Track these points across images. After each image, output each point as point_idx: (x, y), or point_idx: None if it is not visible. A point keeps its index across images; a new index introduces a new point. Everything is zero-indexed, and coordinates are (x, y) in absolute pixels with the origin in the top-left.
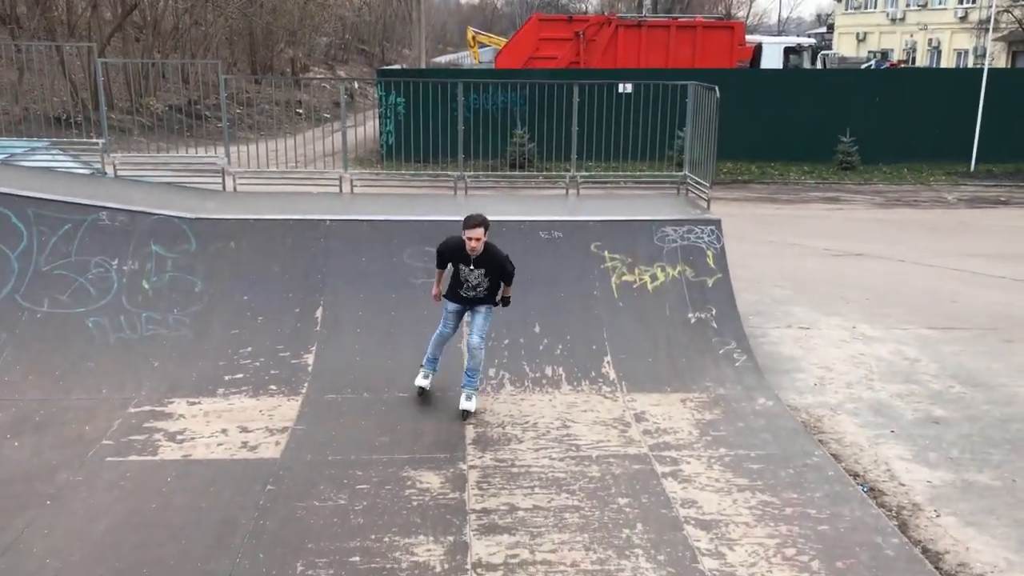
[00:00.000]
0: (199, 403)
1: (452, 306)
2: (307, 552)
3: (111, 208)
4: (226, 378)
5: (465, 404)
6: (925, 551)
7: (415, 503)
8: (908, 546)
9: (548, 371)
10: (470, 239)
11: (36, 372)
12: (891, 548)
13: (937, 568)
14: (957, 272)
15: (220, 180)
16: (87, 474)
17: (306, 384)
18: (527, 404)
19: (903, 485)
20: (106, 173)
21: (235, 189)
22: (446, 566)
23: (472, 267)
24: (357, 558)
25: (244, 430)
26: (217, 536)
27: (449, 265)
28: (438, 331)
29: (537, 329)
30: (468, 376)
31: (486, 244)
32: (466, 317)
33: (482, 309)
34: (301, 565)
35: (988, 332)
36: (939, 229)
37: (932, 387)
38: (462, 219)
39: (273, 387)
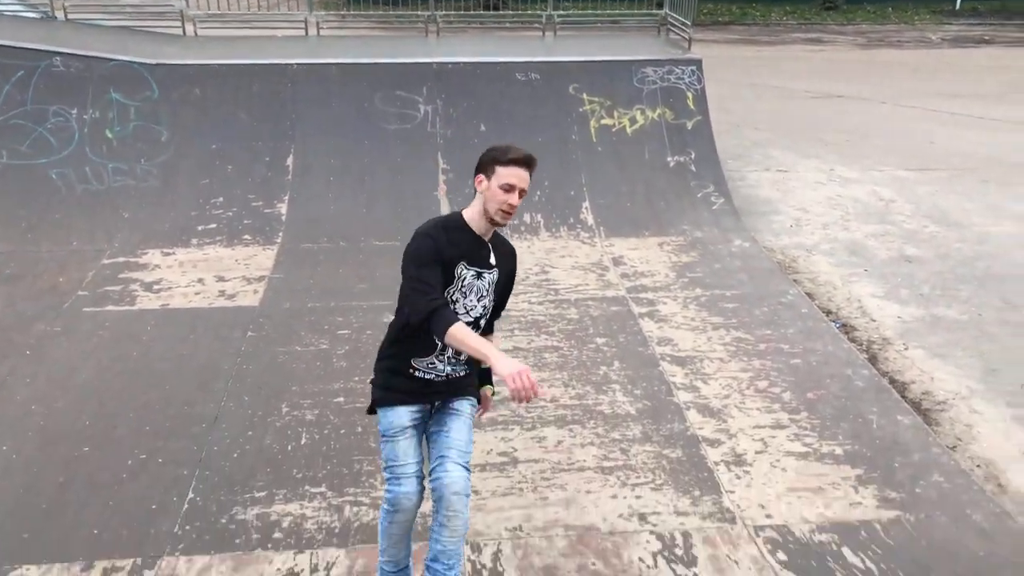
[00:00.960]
0: (173, 253)
1: (405, 414)
2: (291, 394)
3: (65, 53)
4: (199, 228)
5: None
6: (892, 381)
7: None
8: (877, 377)
9: (526, 218)
10: (513, 188)
11: (2, 224)
12: (860, 379)
13: (903, 397)
14: (936, 113)
15: (179, 24)
16: (65, 324)
17: (280, 233)
18: None
19: (874, 321)
20: (56, 17)
21: (196, 33)
22: None
23: (485, 267)
24: (342, 399)
25: (221, 279)
26: (200, 381)
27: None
28: (389, 497)
29: None
30: (433, 572)
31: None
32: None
33: (464, 408)
34: (286, 407)
35: (964, 172)
36: (921, 69)
37: (906, 227)
38: (433, 61)
39: (247, 237)
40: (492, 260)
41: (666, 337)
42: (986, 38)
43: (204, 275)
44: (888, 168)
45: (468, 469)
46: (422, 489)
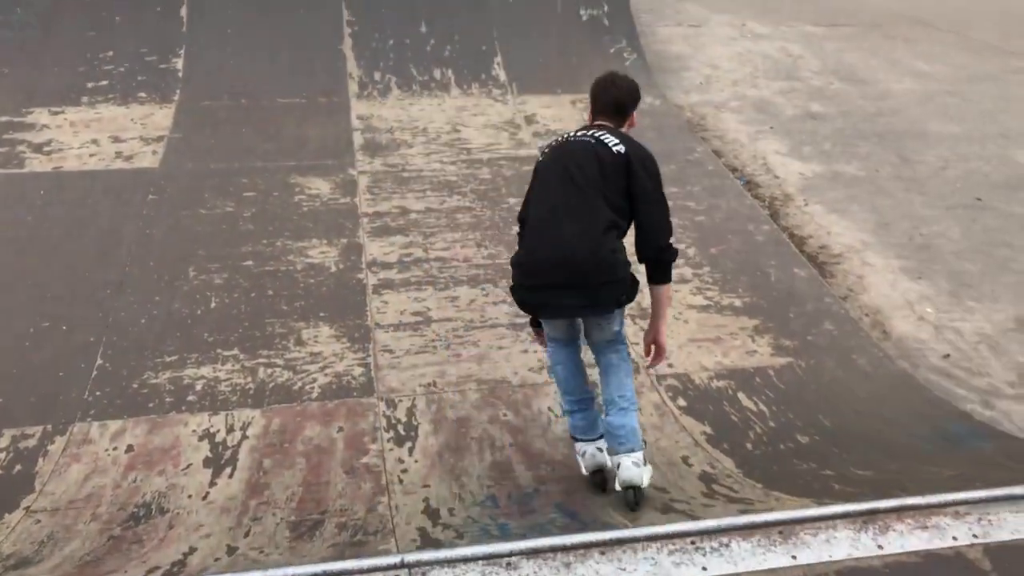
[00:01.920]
0: (63, 112)
1: None
2: (198, 258)
3: None
4: (89, 85)
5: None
6: (792, 236)
7: (306, 208)
8: (777, 232)
9: (436, 74)
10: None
11: None
12: (761, 234)
13: (801, 251)
14: None
15: None
16: None
17: (178, 91)
18: (416, 108)
19: (777, 178)
20: None
21: None
22: (341, 266)
23: None
24: (250, 262)
25: (117, 140)
26: (101, 247)
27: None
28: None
29: (423, 28)
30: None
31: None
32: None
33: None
34: (193, 271)
35: (871, 28)
36: None
37: (812, 84)
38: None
39: (143, 94)
40: None
41: None
42: None
43: (98, 136)
44: (799, 24)
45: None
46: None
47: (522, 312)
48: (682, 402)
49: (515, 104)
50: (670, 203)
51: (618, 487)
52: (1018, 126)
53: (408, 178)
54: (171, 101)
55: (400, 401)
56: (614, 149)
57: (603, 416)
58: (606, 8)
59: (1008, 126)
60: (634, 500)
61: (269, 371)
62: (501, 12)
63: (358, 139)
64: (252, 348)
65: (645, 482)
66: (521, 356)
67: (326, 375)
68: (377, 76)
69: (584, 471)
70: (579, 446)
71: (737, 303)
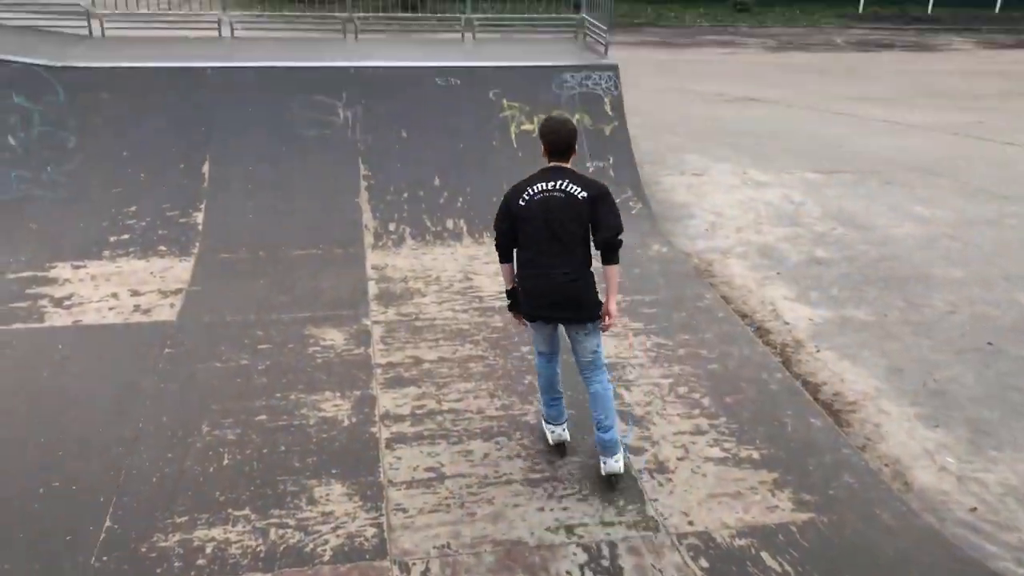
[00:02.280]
0: (85, 267)
1: None
2: (212, 413)
3: None
4: (111, 239)
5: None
6: (805, 384)
7: (319, 360)
8: (790, 380)
9: (449, 224)
10: None
11: None
12: (775, 383)
13: (815, 399)
14: (844, 116)
15: (85, 23)
16: None
17: (197, 244)
18: (429, 258)
19: (787, 324)
20: None
21: (103, 34)
22: (354, 420)
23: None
24: (264, 416)
25: (136, 293)
26: (117, 402)
27: None
28: None
29: (436, 182)
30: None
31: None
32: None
33: None
34: (207, 426)
35: (869, 175)
36: (828, 73)
37: (816, 229)
38: (353, 65)
39: (163, 248)
40: None
41: None
42: (886, 42)
43: (118, 289)
44: (798, 171)
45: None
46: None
47: (537, 468)
48: (704, 563)
49: None
50: (681, 351)
51: (604, 474)
52: (1020, 269)
53: (421, 327)
54: (190, 254)
55: (414, 564)
56: (579, 196)
57: (595, 429)
58: (611, 160)
59: (1010, 269)
60: (615, 482)
61: (280, 532)
62: (510, 165)
63: (372, 289)
64: (264, 507)
65: (622, 470)
66: (538, 515)
67: (338, 536)
68: (392, 227)
69: (551, 442)
70: (548, 426)
71: (755, 455)
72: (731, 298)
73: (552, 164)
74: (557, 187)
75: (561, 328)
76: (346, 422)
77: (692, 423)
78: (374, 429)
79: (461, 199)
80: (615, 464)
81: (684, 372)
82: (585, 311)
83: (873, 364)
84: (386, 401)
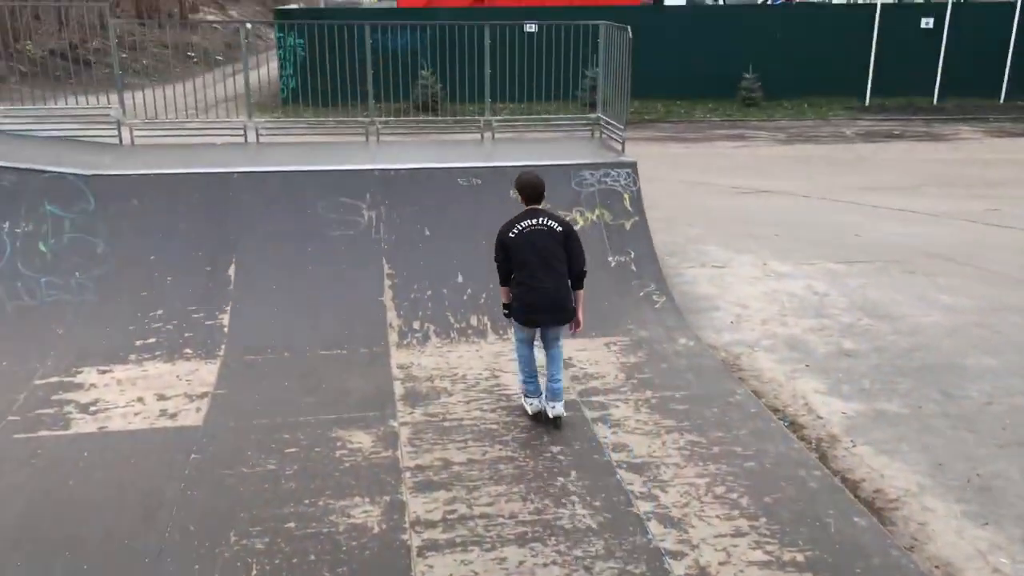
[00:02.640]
0: (111, 371)
1: None
2: (240, 521)
3: None
4: (138, 343)
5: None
6: (845, 480)
7: (347, 464)
8: (829, 477)
9: (473, 321)
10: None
11: None
12: (814, 480)
13: (856, 496)
14: (858, 206)
15: (115, 132)
16: None
17: (223, 346)
18: (454, 356)
19: (820, 418)
20: None
21: (132, 142)
22: (384, 526)
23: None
24: (292, 524)
25: (162, 397)
26: (143, 510)
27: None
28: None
29: (460, 279)
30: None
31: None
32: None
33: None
34: (234, 535)
35: (890, 264)
36: (839, 163)
37: (842, 320)
38: (376, 167)
39: (189, 351)
40: None
41: (620, 443)
42: (896, 132)
43: (144, 393)
44: (819, 261)
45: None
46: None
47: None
48: None
49: None
50: (716, 449)
51: (551, 416)
52: None
53: (449, 428)
54: (216, 356)
55: None
56: (557, 230)
57: (547, 383)
58: (633, 254)
59: None
60: (559, 424)
61: None
62: None
63: (399, 388)
64: None
65: (564, 413)
66: None
67: None
68: (416, 325)
69: (529, 413)
70: (527, 399)
71: (799, 558)
72: (762, 392)
73: (531, 207)
74: (539, 223)
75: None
76: (376, 529)
77: (732, 525)
78: (405, 536)
79: (484, 295)
80: (560, 408)
81: (720, 471)
82: (565, 316)
83: (913, 459)
84: (416, 506)
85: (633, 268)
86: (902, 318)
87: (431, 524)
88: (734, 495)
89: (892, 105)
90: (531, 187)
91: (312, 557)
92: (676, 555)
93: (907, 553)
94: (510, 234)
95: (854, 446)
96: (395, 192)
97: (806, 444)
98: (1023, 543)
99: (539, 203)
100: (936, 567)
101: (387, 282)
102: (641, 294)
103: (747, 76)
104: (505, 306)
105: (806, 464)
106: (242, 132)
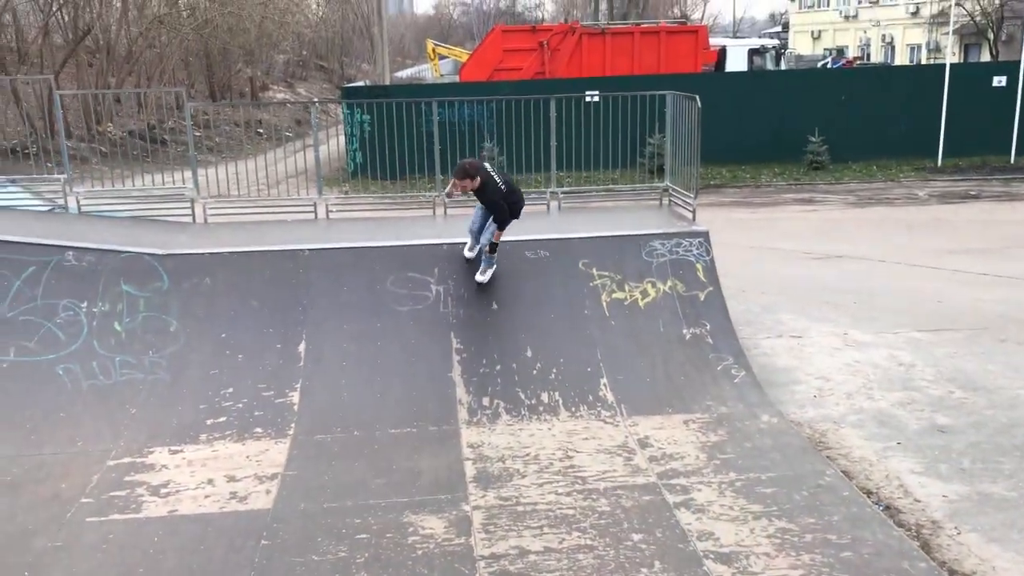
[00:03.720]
0: (182, 451)
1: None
2: None
3: (77, 248)
4: (208, 422)
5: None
6: (952, 572)
7: (419, 552)
8: (936, 570)
9: (544, 397)
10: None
11: (5, 426)
12: (919, 572)
13: None
14: (938, 271)
15: (189, 209)
16: (67, 538)
17: (293, 424)
18: (525, 434)
19: (919, 501)
20: (68, 208)
21: (206, 220)
22: None
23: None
24: None
25: (232, 479)
26: None
27: None
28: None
29: (529, 353)
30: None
31: (483, 183)
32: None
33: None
34: None
35: (980, 332)
36: (915, 226)
37: (932, 393)
38: (443, 242)
39: (259, 429)
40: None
41: (706, 530)
42: (972, 193)
43: (214, 475)
44: (902, 330)
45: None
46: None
47: None
48: None
49: (626, 426)
50: (808, 537)
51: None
52: None
53: (523, 513)
54: (286, 436)
55: None
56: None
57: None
58: (708, 326)
59: None
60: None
61: None
62: (603, 334)
63: (470, 470)
64: None
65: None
66: None
67: None
68: (486, 401)
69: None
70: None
71: None
72: (852, 473)
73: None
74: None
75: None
76: None
77: None
78: None
79: (555, 371)
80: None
81: (815, 562)
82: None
83: None
84: None
85: (709, 340)
86: (998, 390)
87: None
88: None
89: (966, 165)
90: (472, 168)
91: None
92: None
93: None
94: (501, 186)
95: (959, 533)
96: (462, 266)
97: (906, 531)
98: None
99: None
100: None
101: (456, 357)
102: (719, 368)
103: (812, 139)
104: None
105: (908, 555)
106: (312, 208)
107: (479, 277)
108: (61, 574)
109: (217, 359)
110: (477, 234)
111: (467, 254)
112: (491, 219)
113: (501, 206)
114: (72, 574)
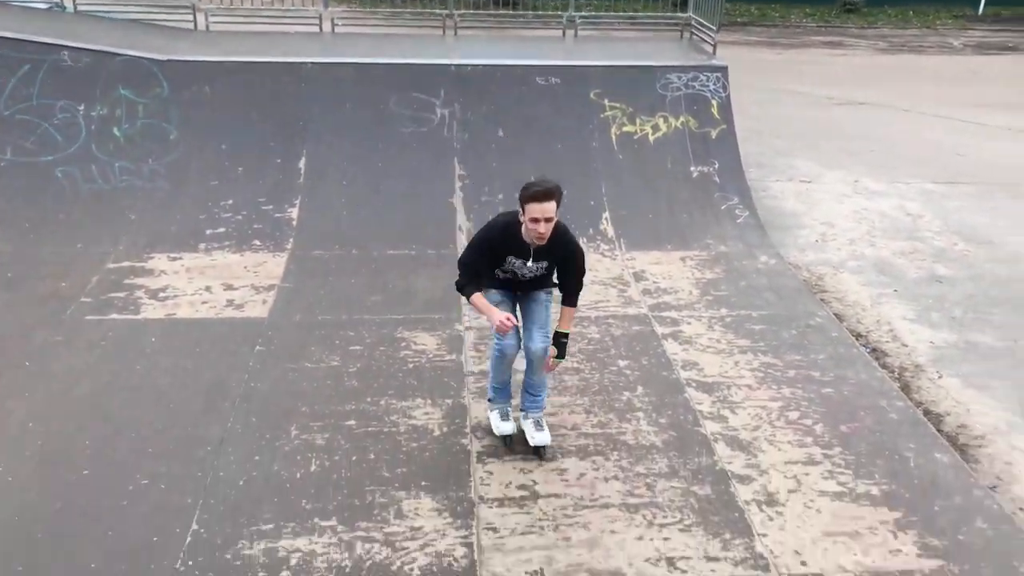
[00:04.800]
0: (180, 258)
1: (496, 294)
2: (301, 416)
3: (74, 47)
4: (207, 232)
5: (537, 436)
6: (927, 413)
7: (411, 365)
8: (912, 409)
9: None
10: (537, 220)
11: (3, 224)
12: (895, 411)
13: (939, 430)
14: (964, 123)
15: (190, 15)
16: (66, 334)
17: (291, 239)
18: None
19: (906, 346)
20: (66, 8)
21: (208, 28)
22: (445, 430)
23: (532, 261)
24: (353, 422)
25: (229, 287)
26: (206, 400)
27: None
28: (497, 347)
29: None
30: (530, 395)
31: (555, 225)
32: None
33: (540, 296)
34: (295, 429)
35: (995, 187)
36: (945, 77)
37: (935, 244)
38: (451, 63)
39: (257, 242)
40: (533, 258)
41: (691, 360)
42: (1010, 44)
43: (212, 283)
44: (915, 181)
45: (547, 335)
46: (519, 340)
47: (636, 492)
48: None
49: (623, 260)
50: (792, 373)
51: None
52: None
53: None
54: (284, 250)
55: None
56: None
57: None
58: (717, 165)
59: None
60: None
61: (367, 546)
62: (610, 168)
63: None
64: (351, 519)
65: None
66: (636, 544)
67: (426, 555)
68: None
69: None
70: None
71: (875, 491)
72: (844, 316)
73: None
74: None
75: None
76: (437, 432)
77: (804, 452)
78: (465, 441)
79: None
80: (544, 435)
81: (795, 396)
82: None
83: (1003, 395)
84: (478, 412)
85: (716, 180)
86: (1002, 245)
87: (492, 431)
88: (808, 421)
89: (1008, 15)
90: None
91: (372, 456)
92: (743, 479)
93: (990, 493)
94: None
95: (940, 378)
96: (470, 89)
97: (888, 373)
98: None
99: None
100: (1020, 509)
101: (458, 183)
102: (723, 207)
103: None
104: None
105: (887, 394)
106: (317, 22)
107: (538, 436)
108: (60, 367)
109: (216, 170)
110: (524, 332)
111: (503, 427)
112: (537, 300)
113: (580, 262)
114: (71, 367)
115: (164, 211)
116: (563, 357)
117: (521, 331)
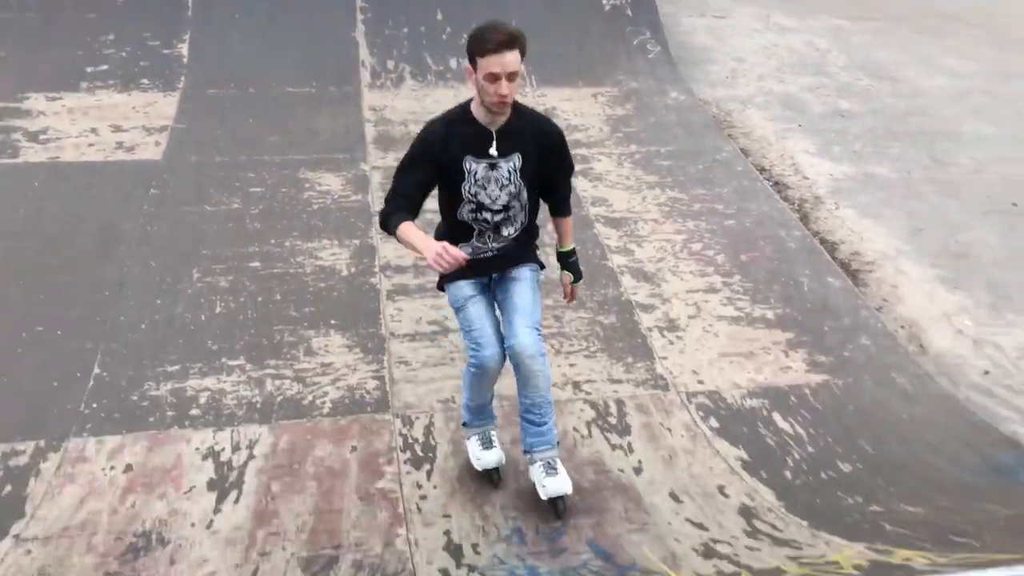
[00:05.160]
0: (60, 99)
1: (466, 285)
2: (202, 258)
3: None
4: (88, 70)
5: (551, 484)
6: (823, 241)
7: (316, 206)
8: (808, 238)
9: (452, 63)
10: (497, 77)
11: None
12: (793, 240)
13: (833, 257)
14: None
15: None
16: None
17: (182, 78)
18: (430, 100)
19: (807, 179)
20: None
21: None
22: (353, 270)
23: (497, 151)
24: (257, 263)
25: (117, 129)
26: (100, 243)
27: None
28: (474, 362)
29: (439, 16)
30: (532, 425)
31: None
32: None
33: (524, 274)
34: (197, 272)
35: (899, 23)
36: None
37: (840, 79)
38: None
39: (145, 81)
40: (498, 146)
41: (600, 197)
42: None
43: (97, 124)
44: (825, 16)
45: (538, 329)
46: (503, 349)
47: (544, 323)
48: (714, 423)
49: (534, 96)
50: (696, 206)
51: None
52: None
53: None
54: (175, 88)
55: (417, 418)
56: None
57: None
58: None
59: None
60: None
61: (277, 383)
62: (520, 1)
63: (370, 132)
64: (259, 357)
65: None
66: None
67: (338, 388)
68: (390, 65)
69: None
70: None
71: (769, 315)
72: (750, 151)
73: None
74: None
75: None
76: (345, 272)
77: (705, 281)
78: (374, 280)
79: (466, 35)
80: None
81: (699, 228)
82: None
83: (895, 224)
84: (386, 251)
85: (628, 13)
86: (904, 80)
87: (402, 269)
88: (710, 252)
89: None
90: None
91: (278, 296)
92: (647, 308)
93: (875, 313)
94: None
95: (837, 208)
96: None
97: (789, 204)
98: (989, 308)
99: None
100: (901, 327)
101: (360, 16)
102: (635, 42)
103: None
104: None
105: (787, 224)
106: None
107: (552, 484)
108: None
109: (93, 1)
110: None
111: (487, 458)
112: (519, 277)
113: (567, 148)
114: None
115: (37, 47)
116: (581, 278)
117: (502, 326)
